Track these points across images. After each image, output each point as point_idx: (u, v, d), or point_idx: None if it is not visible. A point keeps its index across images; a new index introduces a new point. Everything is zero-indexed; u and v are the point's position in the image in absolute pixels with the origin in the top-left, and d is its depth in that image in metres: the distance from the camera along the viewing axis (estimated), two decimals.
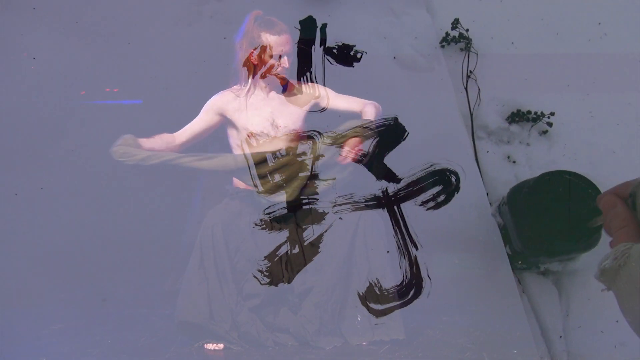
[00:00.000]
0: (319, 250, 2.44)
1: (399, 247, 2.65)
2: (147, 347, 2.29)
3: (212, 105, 2.44)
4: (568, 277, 2.54)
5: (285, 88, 2.49)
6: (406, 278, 2.60)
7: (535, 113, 2.98)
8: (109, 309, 2.57)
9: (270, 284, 2.45)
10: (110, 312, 2.56)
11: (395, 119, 2.94)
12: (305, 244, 2.52)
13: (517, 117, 2.99)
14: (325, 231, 2.73)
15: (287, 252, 2.51)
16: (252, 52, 2.40)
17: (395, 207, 2.80)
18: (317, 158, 2.70)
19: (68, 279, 2.62)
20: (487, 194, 2.75)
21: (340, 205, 2.84)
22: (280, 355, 2.23)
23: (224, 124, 2.49)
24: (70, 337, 2.39)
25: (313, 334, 2.28)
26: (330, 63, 3.04)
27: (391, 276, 2.63)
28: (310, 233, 2.69)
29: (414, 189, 2.83)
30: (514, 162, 2.89)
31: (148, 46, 2.92)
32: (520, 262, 2.56)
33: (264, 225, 2.52)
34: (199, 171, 2.40)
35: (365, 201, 2.84)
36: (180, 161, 2.24)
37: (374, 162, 2.95)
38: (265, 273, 2.44)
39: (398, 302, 2.55)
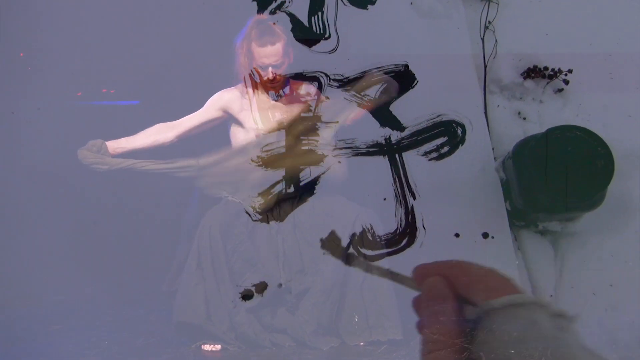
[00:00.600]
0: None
1: (396, 196, 2.61)
2: (145, 348, 2.31)
3: (218, 101, 2.45)
4: (566, 239, 2.49)
5: (284, 93, 2.48)
6: (400, 227, 2.57)
7: (552, 70, 2.86)
8: (106, 310, 2.60)
9: (261, 220, 2.44)
10: (107, 313, 2.59)
11: (406, 65, 2.84)
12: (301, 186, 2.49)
13: (533, 72, 2.87)
14: (323, 174, 2.69)
15: (281, 190, 2.49)
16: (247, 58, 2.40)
17: (396, 156, 2.75)
18: (321, 100, 2.64)
19: (66, 281, 2.65)
20: (493, 149, 2.67)
21: (340, 149, 2.79)
22: (278, 355, 2.23)
23: (227, 121, 2.49)
24: (68, 338, 2.41)
25: (310, 335, 2.28)
26: (344, 4, 2.93)
27: (386, 224, 2.60)
28: (307, 174, 2.66)
29: (417, 139, 2.76)
30: (524, 118, 2.80)
31: (145, 46, 2.86)
32: (519, 220, 2.51)
33: (260, 163, 2.49)
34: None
35: (367, 147, 2.78)
36: (145, 167, 2.32)
37: (379, 108, 2.88)
38: (257, 210, 2.43)
39: (389, 250, 2.53)
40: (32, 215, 2.73)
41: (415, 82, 2.86)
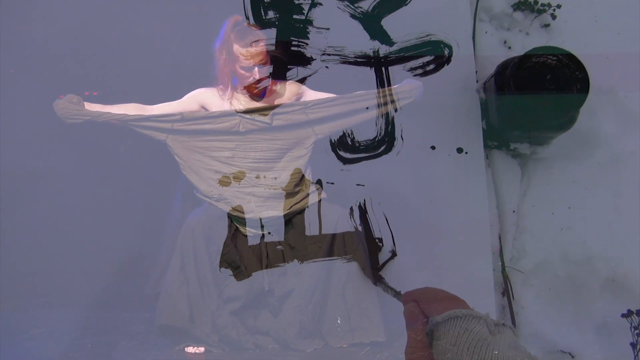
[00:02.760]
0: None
1: (378, 106, 2.67)
2: (128, 351, 2.30)
3: (195, 94, 2.40)
4: (534, 162, 2.61)
5: (264, 94, 2.43)
6: (379, 135, 2.64)
7: (542, 4, 2.92)
8: (89, 312, 2.56)
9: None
10: (90, 315, 2.56)
11: None
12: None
13: (524, 5, 2.93)
14: (310, 75, 2.72)
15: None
16: (228, 62, 2.34)
17: (383, 69, 2.79)
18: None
19: (48, 283, 2.62)
20: (476, 72, 2.74)
21: (329, 55, 2.81)
22: (261, 357, 2.24)
23: None
24: (51, 341, 2.39)
25: (293, 337, 2.28)
26: None
27: (366, 132, 2.67)
28: (294, 74, 2.68)
29: (405, 55, 2.81)
30: (510, 48, 2.87)
31: (130, 48, 2.77)
32: (492, 141, 2.61)
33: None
34: (179, 175, 2.48)
35: (355, 57, 2.81)
36: (125, 119, 2.29)
37: (370, 21, 2.90)
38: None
39: (367, 154, 2.61)
40: (14, 217, 2.71)
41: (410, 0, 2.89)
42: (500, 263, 2.44)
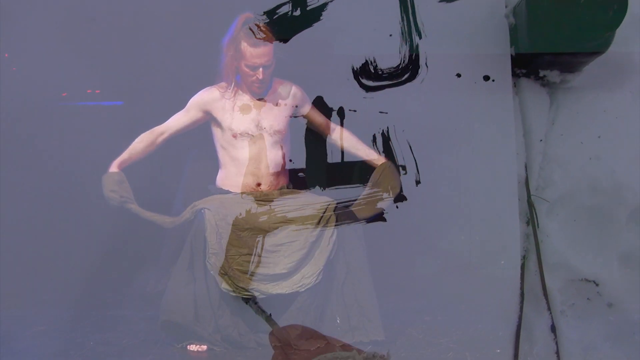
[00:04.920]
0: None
1: (402, 33, 2.58)
2: (130, 349, 2.29)
3: (198, 102, 2.40)
4: (563, 91, 2.54)
5: (266, 94, 2.42)
6: (403, 62, 2.56)
7: None
8: (92, 310, 2.56)
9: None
10: (92, 313, 2.55)
11: None
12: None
13: None
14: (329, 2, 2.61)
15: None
16: (234, 59, 2.34)
17: None
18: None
19: (50, 281, 2.62)
20: None
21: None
22: (264, 356, 2.23)
23: (209, 121, 2.43)
24: (53, 338, 2.38)
25: (295, 338, 2.26)
26: None
27: (390, 59, 2.59)
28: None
29: None
30: None
31: (130, 45, 2.71)
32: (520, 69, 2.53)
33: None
34: (180, 174, 2.55)
35: None
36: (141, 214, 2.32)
37: None
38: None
39: (390, 82, 2.54)
40: (16, 216, 2.70)
41: None
42: (525, 192, 2.41)
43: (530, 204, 2.39)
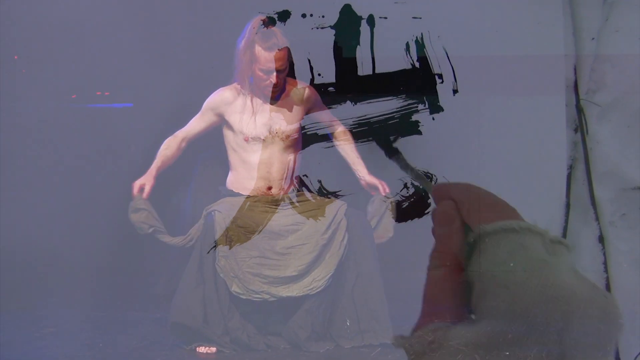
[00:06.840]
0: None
1: None
2: (139, 350, 2.30)
3: (211, 105, 2.43)
4: None
5: (279, 97, 2.42)
6: None
7: None
8: (100, 312, 2.58)
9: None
10: (102, 315, 2.57)
11: None
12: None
13: None
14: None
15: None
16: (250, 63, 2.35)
17: None
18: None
19: (61, 283, 2.62)
20: None
21: None
22: (273, 357, 2.25)
23: (222, 123, 2.45)
24: (63, 340, 2.40)
25: (305, 340, 2.29)
26: None
27: None
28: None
29: None
30: None
31: (140, 48, 2.71)
32: None
33: None
34: (190, 174, 2.58)
35: None
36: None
37: None
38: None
39: None
40: (27, 217, 2.72)
41: None
42: (574, 97, 2.24)
43: (580, 108, 2.24)
